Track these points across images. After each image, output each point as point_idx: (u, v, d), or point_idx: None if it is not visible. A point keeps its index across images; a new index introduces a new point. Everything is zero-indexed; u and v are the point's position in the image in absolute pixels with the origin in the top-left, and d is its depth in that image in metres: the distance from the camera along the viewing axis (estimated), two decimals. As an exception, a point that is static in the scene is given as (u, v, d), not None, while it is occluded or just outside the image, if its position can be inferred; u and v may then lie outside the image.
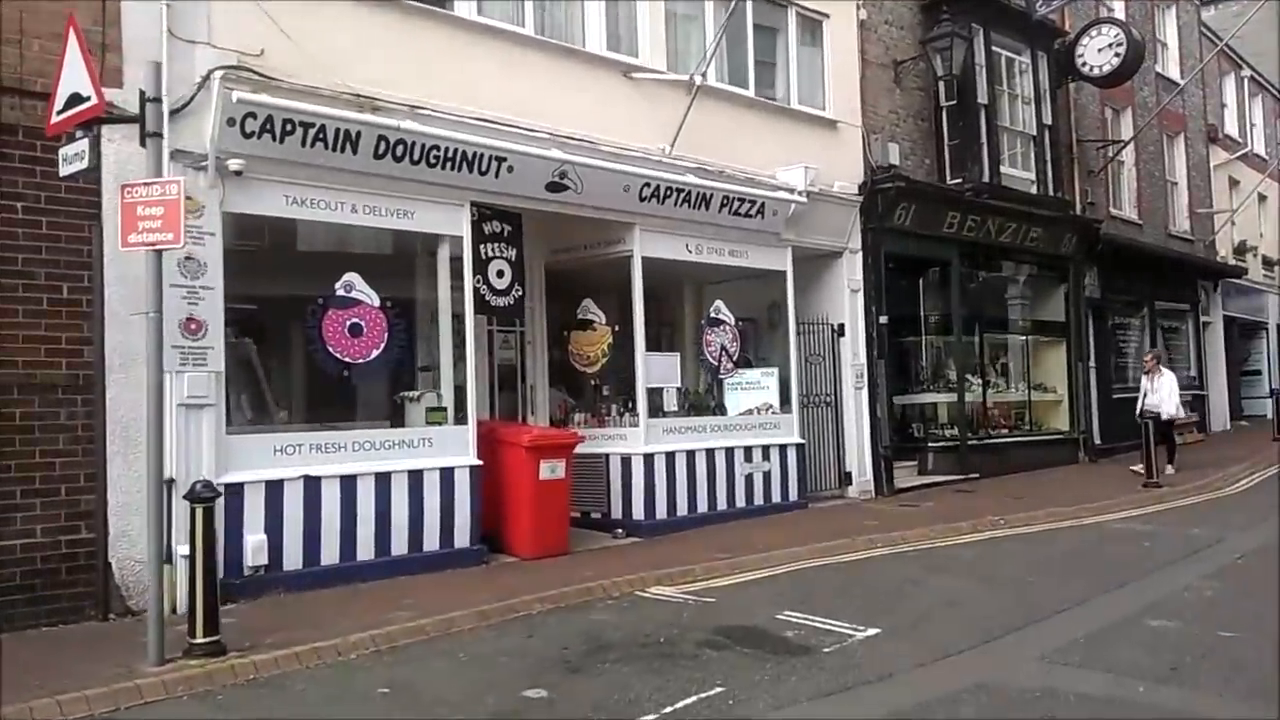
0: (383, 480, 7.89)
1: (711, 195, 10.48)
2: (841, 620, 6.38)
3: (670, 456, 10.16)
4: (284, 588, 7.25)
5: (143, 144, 5.63)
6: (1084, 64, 16.03)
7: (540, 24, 9.55)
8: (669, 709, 4.81)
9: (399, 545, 7.96)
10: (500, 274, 9.17)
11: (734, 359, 11.27)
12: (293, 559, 7.39)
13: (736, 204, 10.76)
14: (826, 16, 12.42)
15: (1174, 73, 21.00)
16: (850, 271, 12.58)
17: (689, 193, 10.25)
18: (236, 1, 7.31)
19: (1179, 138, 21.62)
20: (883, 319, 12.78)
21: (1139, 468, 13.31)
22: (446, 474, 8.25)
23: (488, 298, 9.04)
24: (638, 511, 9.89)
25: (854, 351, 12.53)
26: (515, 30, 9.22)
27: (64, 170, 5.84)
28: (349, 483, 7.70)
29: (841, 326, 12.48)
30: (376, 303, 8.04)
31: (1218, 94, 24.15)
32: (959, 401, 14.20)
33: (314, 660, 5.64)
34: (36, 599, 6.36)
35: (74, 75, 5.59)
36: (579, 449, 9.45)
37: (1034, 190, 15.15)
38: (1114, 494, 12.14)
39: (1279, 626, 5.90)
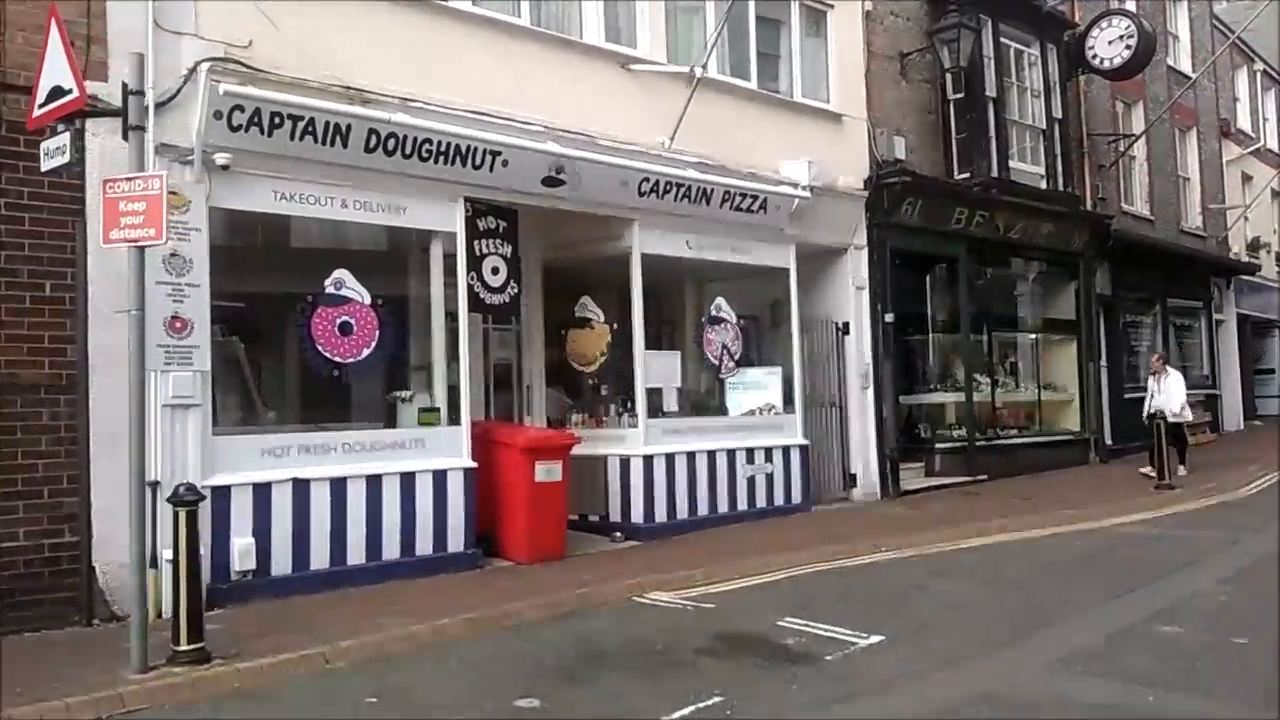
0: (374, 483, 7.72)
1: (712, 190, 10.28)
2: (844, 627, 6.19)
3: (670, 458, 9.97)
4: (272, 592, 7.07)
5: (125, 137, 5.48)
6: (1094, 56, 15.78)
7: (536, 15, 9.38)
8: (665, 719, 4.63)
9: (390, 549, 7.79)
10: (495, 271, 9.00)
11: (736, 358, 11.07)
12: (281, 563, 7.23)
13: (738, 199, 10.57)
14: (831, 7, 12.22)
15: (1186, 66, 20.73)
16: (855, 268, 12.37)
17: (689, 187, 10.05)
18: (223, -8, 7.16)
19: (1191, 132, 21.33)
20: (888, 317, 12.57)
21: (1148, 469, 13.07)
22: (439, 476, 8.08)
23: (482, 295, 8.87)
24: (636, 514, 9.71)
25: (859, 350, 12.33)
26: (510, 21, 9.05)
27: (45, 165, 5.69)
28: (339, 485, 7.53)
29: (846, 325, 12.27)
30: (367, 300, 7.88)
31: (1230, 88, 23.83)
32: (967, 401, 13.96)
33: (301, 668, 5.48)
34: (18, 604, 6.20)
35: (55, 68, 5.44)
36: (577, 450, 9.27)
37: (1043, 185, 14.91)
38: (1125, 496, 11.92)
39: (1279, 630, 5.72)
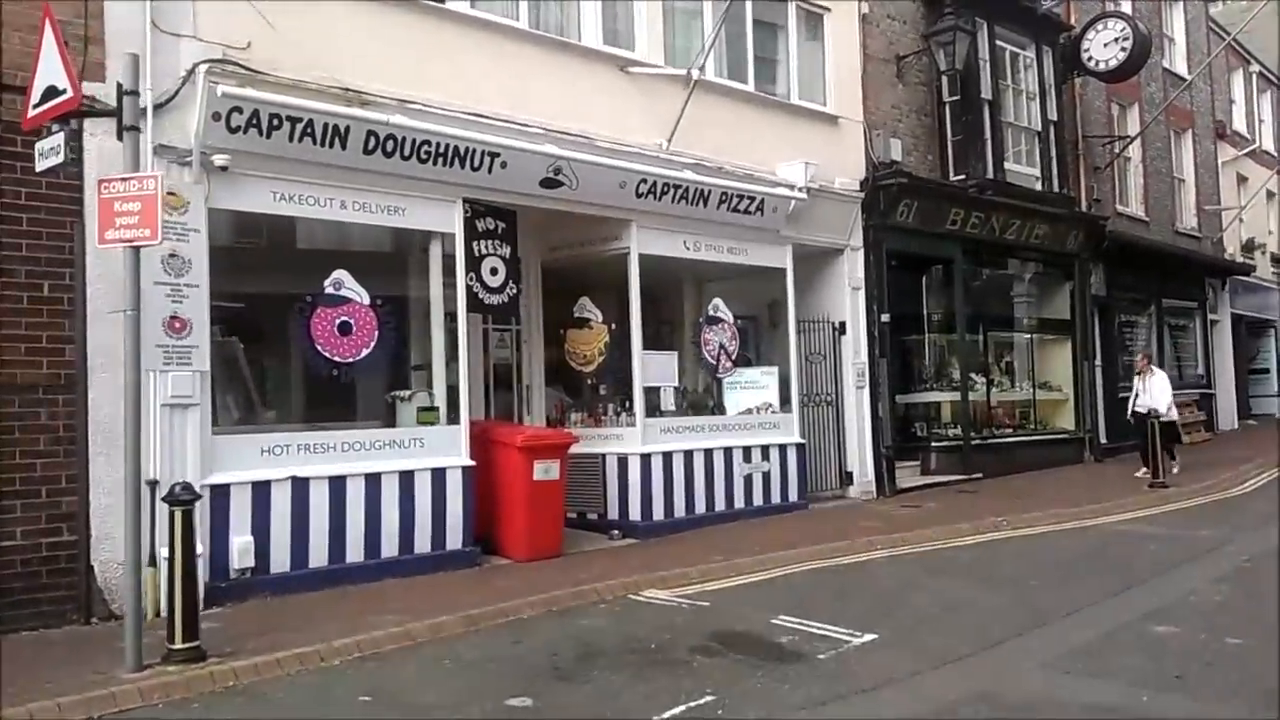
0: (373, 481, 7.76)
1: (710, 191, 10.32)
2: (838, 625, 6.23)
3: (668, 457, 10.01)
4: (271, 590, 7.12)
5: (120, 138, 5.50)
6: (1090, 58, 15.84)
7: (535, 17, 9.40)
8: (657, 718, 4.66)
9: (389, 547, 7.83)
10: (494, 271, 9.02)
11: (733, 358, 11.11)
12: (280, 561, 7.26)
13: (735, 200, 10.60)
14: (828, 10, 12.26)
15: (1181, 68, 20.79)
16: (852, 269, 12.41)
17: (687, 189, 10.09)
18: (222, -6, 7.19)
19: (1186, 134, 21.39)
20: (884, 317, 12.61)
21: (1142, 473, 13.10)
22: (438, 475, 8.12)
23: (481, 296, 8.89)
24: (634, 513, 9.74)
25: (855, 350, 12.37)
26: (509, 24, 9.08)
27: (40, 165, 5.72)
28: (338, 484, 7.57)
29: (843, 325, 12.31)
30: (366, 301, 7.91)
31: (1226, 90, 23.90)
32: (962, 400, 14.02)
33: (296, 666, 5.51)
34: (16, 603, 6.23)
35: (50, 68, 5.47)
36: (575, 449, 9.32)
37: (1039, 187, 14.97)
38: (1120, 494, 11.96)
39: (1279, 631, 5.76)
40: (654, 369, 10.15)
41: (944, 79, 13.64)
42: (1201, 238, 21.61)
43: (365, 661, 5.69)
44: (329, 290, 7.76)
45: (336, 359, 7.73)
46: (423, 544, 8.01)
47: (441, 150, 8.13)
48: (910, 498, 12.23)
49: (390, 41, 8.11)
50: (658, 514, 9.85)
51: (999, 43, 14.24)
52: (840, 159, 12.13)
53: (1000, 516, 10.29)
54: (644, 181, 9.68)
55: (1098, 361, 16.86)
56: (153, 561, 6.32)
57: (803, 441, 11.44)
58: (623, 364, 10.15)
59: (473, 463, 8.34)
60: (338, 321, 7.75)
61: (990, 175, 13.80)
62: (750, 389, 11.38)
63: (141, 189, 5.34)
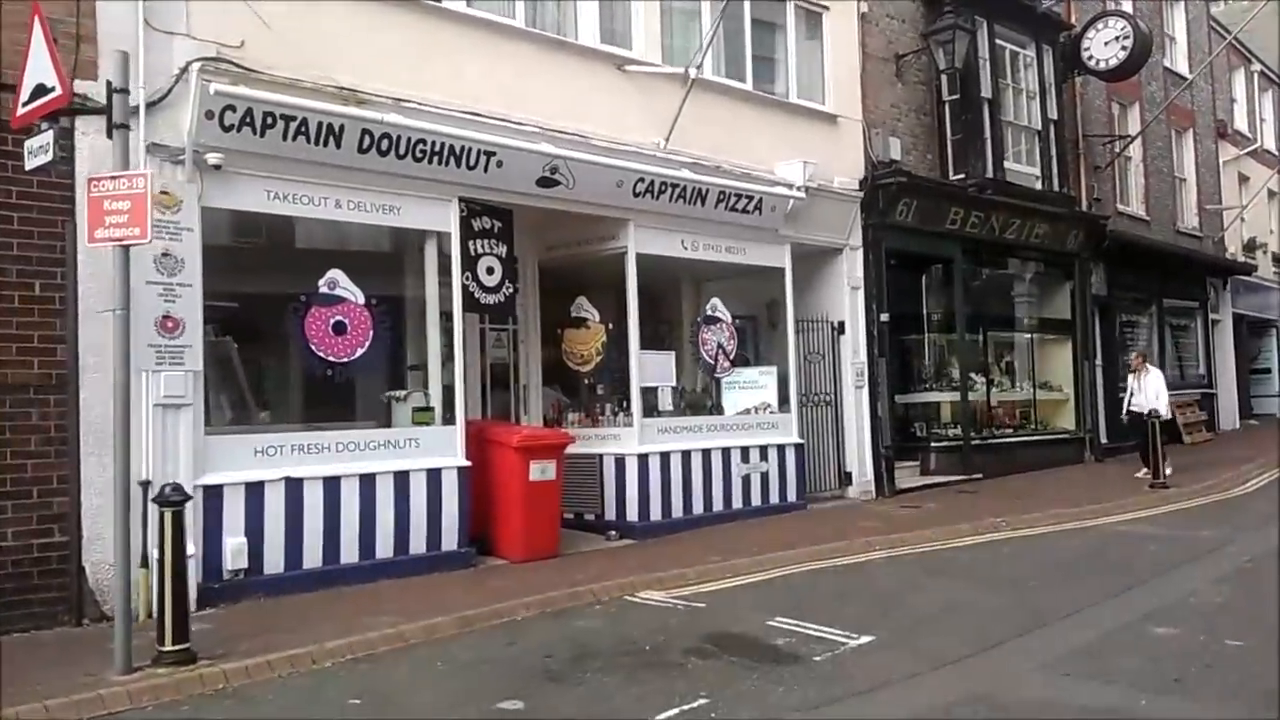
0: (367, 481, 7.72)
1: (707, 190, 10.27)
2: (835, 627, 6.18)
3: (665, 457, 9.96)
4: (264, 592, 7.07)
5: (109, 136, 5.46)
6: (1090, 57, 15.79)
7: (531, 16, 9.36)
8: (648, 721, 4.63)
9: (384, 548, 7.78)
10: (490, 271, 8.98)
11: (731, 357, 11.06)
12: (274, 562, 7.22)
13: (733, 199, 10.56)
14: (826, 9, 12.21)
15: (1183, 67, 20.72)
16: (851, 268, 12.36)
17: (684, 188, 10.04)
18: (215, -9, 7.15)
19: (1187, 133, 21.32)
20: (884, 317, 12.56)
21: (1142, 473, 13.03)
22: (434, 475, 8.07)
23: (477, 295, 8.85)
24: (631, 513, 9.70)
25: (854, 350, 12.32)
26: (505, 22, 9.03)
27: (29, 164, 5.68)
28: (332, 484, 7.52)
29: (842, 324, 12.26)
30: (361, 300, 7.86)
31: (1227, 89, 23.84)
32: (962, 400, 13.97)
33: (287, 668, 5.46)
34: (7, 604, 6.19)
35: (39, 66, 5.43)
36: (572, 449, 9.29)
37: (1039, 186, 14.91)
38: (1120, 495, 11.90)
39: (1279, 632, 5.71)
40: (651, 369, 10.11)
41: (943, 78, 13.59)
42: (1203, 237, 21.55)
43: (358, 663, 5.65)
44: (324, 290, 7.72)
45: (331, 359, 7.69)
46: (418, 545, 7.97)
47: (437, 149, 8.08)
48: (909, 498, 12.17)
49: (386, 40, 8.07)
50: (655, 514, 9.81)
51: (999, 41, 14.18)
52: (839, 158, 12.08)
53: (1000, 517, 10.24)
54: (641, 180, 9.64)
55: (1098, 361, 16.81)
56: (145, 563, 6.28)
57: (801, 442, 11.40)
58: (620, 364, 10.12)
59: (468, 463, 8.29)
60: (332, 321, 7.71)
61: (990, 174, 13.74)
62: (749, 389, 11.33)
63: (131, 187, 5.31)
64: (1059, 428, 16.06)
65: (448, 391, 8.40)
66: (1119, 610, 6.62)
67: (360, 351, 7.84)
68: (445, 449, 8.22)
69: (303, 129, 7.33)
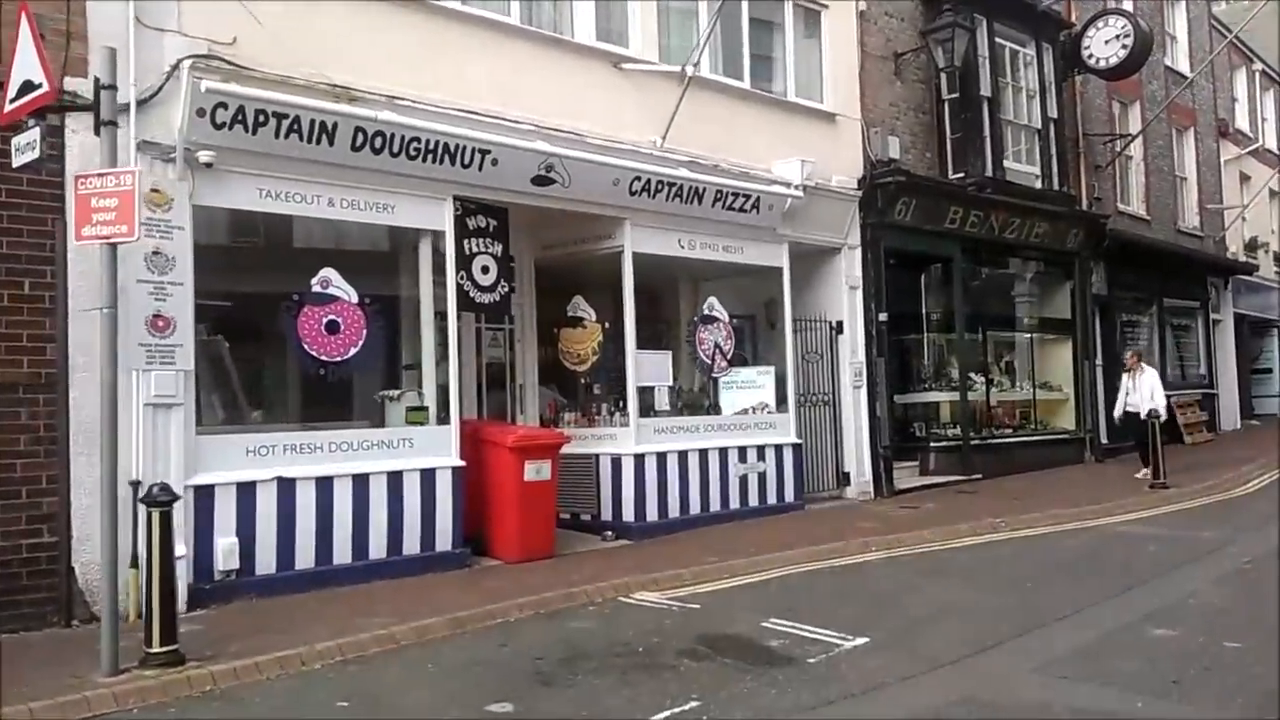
0: (360, 482, 7.67)
1: (704, 189, 10.21)
2: (829, 628, 6.12)
3: (661, 457, 9.91)
4: (256, 592, 7.03)
5: (97, 133, 5.42)
6: (1090, 56, 15.72)
7: (527, 13, 9.31)
8: (639, 725, 4.58)
9: (377, 549, 7.74)
10: (485, 270, 8.92)
11: (728, 357, 11.00)
12: (266, 563, 7.17)
13: (730, 198, 10.50)
14: (825, 7, 12.15)
15: (1184, 66, 20.64)
16: (849, 268, 12.30)
17: (681, 187, 9.99)
18: (207, -12, 7.10)
19: (1189, 132, 21.25)
20: (882, 316, 12.50)
21: (1142, 474, 12.95)
22: (428, 475, 8.02)
23: (472, 294, 8.79)
24: (628, 513, 9.65)
25: (853, 349, 12.26)
26: (501, 20, 8.98)
27: (16, 161, 5.64)
28: (325, 484, 7.47)
29: (840, 324, 12.20)
30: (354, 299, 7.81)
31: (1228, 88, 23.76)
32: (962, 400, 13.91)
33: (276, 670, 5.41)
34: (-4, 605, 6.16)
35: (26, 62, 5.40)
36: (568, 449, 9.24)
37: (1039, 185, 14.84)
38: (1120, 495, 11.84)
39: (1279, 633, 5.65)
40: (648, 368, 10.05)
41: (943, 76, 13.53)
42: (1204, 237, 21.48)
43: (347, 665, 5.60)
44: (316, 289, 7.67)
45: (324, 358, 7.64)
46: (412, 545, 7.92)
47: (431, 147, 8.03)
48: (908, 498, 12.11)
49: (380, 37, 8.02)
50: (651, 515, 9.75)
51: (998, 40, 14.12)
52: (837, 156, 12.02)
53: (999, 517, 10.18)
54: (638, 179, 9.58)
55: (1098, 361, 16.73)
56: (135, 563, 6.23)
57: (799, 442, 11.34)
58: (617, 363, 10.07)
59: (463, 463, 8.25)
60: (325, 320, 7.66)
61: (989, 173, 13.68)
62: (746, 389, 11.27)
63: (119, 185, 5.27)
64: (1059, 428, 15.99)
65: (442, 391, 8.35)
66: (1117, 611, 6.56)
67: (353, 351, 7.79)
68: (439, 449, 8.17)
69: (295, 126, 7.28)
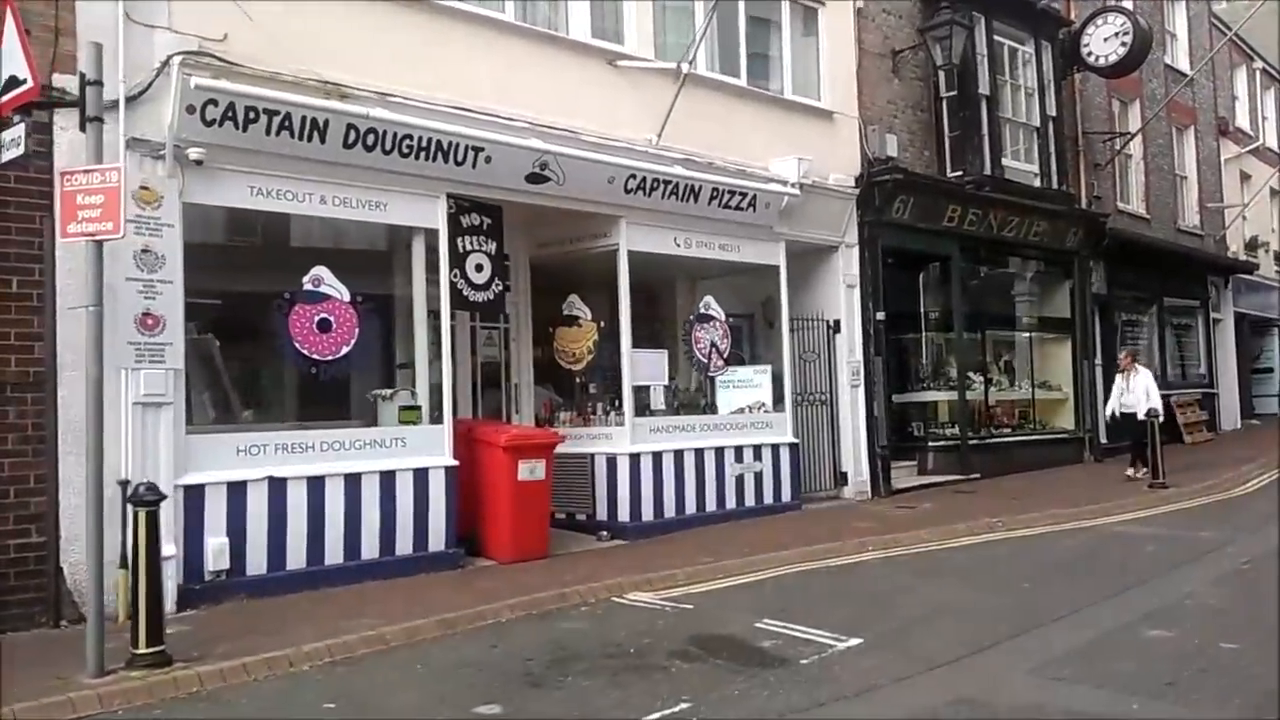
0: (352, 481, 7.62)
1: (701, 187, 10.16)
2: (823, 629, 6.06)
3: (657, 456, 9.86)
4: (247, 593, 6.98)
5: (82, 129, 5.37)
6: (1089, 53, 15.67)
7: (521, 10, 9.26)
8: (629, 727, 4.52)
9: (369, 549, 7.68)
10: (479, 268, 8.87)
11: (724, 356, 10.94)
12: (257, 563, 7.12)
13: (727, 196, 10.44)
14: (822, 4, 12.10)
15: (1184, 65, 20.57)
16: (846, 266, 12.25)
17: (677, 185, 9.94)
18: (197, -15, 7.05)
19: (1189, 131, 21.18)
20: (880, 315, 12.44)
21: (1142, 474, 12.87)
22: (420, 475, 7.97)
23: (466, 293, 8.74)
24: (623, 513, 9.60)
25: (850, 348, 12.20)
26: (495, 16, 8.93)
27: (1, 157, 5.57)
28: (316, 484, 7.42)
29: (837, 323, 12.15)
30: (346, 298, 7.76)
31: (1229, 86, 23.68)
32: (960, 400, 13.86)
33: (263, 671, 5.36)
34: (-17, 605, 6.11)
35: (11, 58, 5.36)
36: (564, 449, 9.20)
37: (1037, 183, 14.79)
38: (1119, 495, 11.79)
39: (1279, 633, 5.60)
40: (643, 367, 10.00)
41: (941, 74, 13.47)
42: (1204, 235, 21.42)
43: (336, 666, 5.55)
44: (308, 287, 7.61)
45: (315, 357, 7.58)
46: (404, 545, 7.87)
47: (424, 144, 7.98)
48: (906, 498, 12.06)
49: (373, 34, 7.97)
50: (647, 514, 9.70)
51: (997, 37, 14.06)
52: (835, 154, 11.97)
53: (996, 517, 10.12)
54: (633, 177, 9.53)
55: (1098, 360, 16.67)
56: (124, 563, 6.18)
57: (796, 441, 11.29)
58: (612, 362, 10.01)
59: (456, 462, 8.19)
60: (317, 319, 7.60)
61: (988, 171, 13.62)
62: (743, 388, 11.21)
63: (104, 181, 5.22)
64: (1058, 427, 15.94)
65: (435, 390, 8.30)
66: (1114, 612, 6.50)
67: (345, 349, 7.73)
68: (432, 448, 8.12)
69: (286, 123, 7.23)
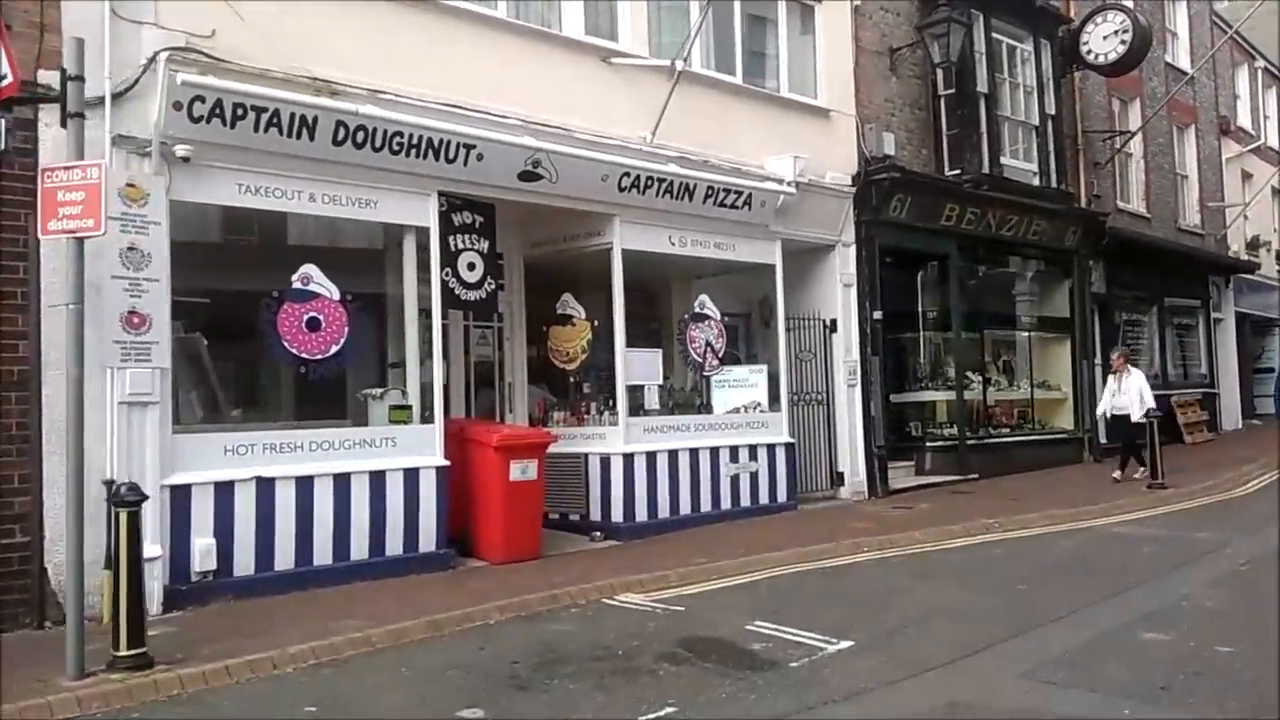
0: (342, 481, 7.55)
1: (695, 185, 10.09)
2: (815, 631, 6.00)
3: (651, 456, 9.79)
4: (234, 593, 6.92)
5: (64, 125, 5.32)
6: (1089, 51, 15.59)
7: (515, 7, 9.20)
8: (613, 731, 4.46)
9: (359, 549, 7.62)
10: (471, 267, 8.80)
11: (720, 355, 10.87)
12: (244, 564, 7.06)
13: (722, 195, 10.37)
14: (819, 1, 12.03)
15: (1185, 63, 20.48)
16: (843, 265, 12.18)
17: (671, 183, 9.87)
18: (185, -20, 6.99)
19: (1190, 129, 21.09)
20: (877, 314, 12.37)
21: (1119, 475, 12.79)
22: (411, 475, 7.91)
23: (458, 292, 8.68)
24: (617, 514, 9.53)
25: (847, 348, 12.13)
26: (487, 13, 8.87)
27: (-18, 153, 5.52)
28: (305, 484, 7.36)
29: (834, 322, 12.07)
30: (336, 296, 7.69)
31: (1230, 85, 23.57)
32: (958, 399, 13.78)
33: (246, 674, 5.30)
34: (-34, 606, 6.06)
35: (-9, 53, 5.27)
36: (557, 449, 9.14)
37: (1036, 182, 14.70)
38: (1117, 495, 11.71)
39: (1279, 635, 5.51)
40: (637, 367, 9.94)
41: (939, 72, 13.39)
42: (1205, 235, 21.33)
43: (320, 669, 5.48)
44: (297, 285, 7.54)
45: (304, 356, 7.52)
46: (394, 546, 7.80)
47: (414, 141, 7.92)
48: (903, 498, 11.99)
49: (364, 31, 7.91)
50: (641, 515, 9.64)
51: (995, 35, 13.98)
52: (832, 153, 11.90)
53: (994, 518, 10.05)
54: (627, 175, 9.46)
55: (1097, 360, 16.57)
56: (109, 564, 6.11)
57: (792, 441, 11.22)
58: (606, 362, 9.97)
59: (447, 462, 8.13)
60: (306, 317, 7.54)
61: (986, 170, 13.53)
62: (738, 387, 11.15)
63: (85, 178, 5.16)
64: (1057, 427, 15.86)
65: (426, 390, 8.23)
66: (1109, 614, 6.43)
67: (335, 348, 7.66)
68: (423, 448, 8.06)
69: (275, 120, 7.17)
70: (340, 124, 7.48)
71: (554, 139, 8.87)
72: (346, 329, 7.73)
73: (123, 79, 6.68)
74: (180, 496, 6.80)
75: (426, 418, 8.19)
